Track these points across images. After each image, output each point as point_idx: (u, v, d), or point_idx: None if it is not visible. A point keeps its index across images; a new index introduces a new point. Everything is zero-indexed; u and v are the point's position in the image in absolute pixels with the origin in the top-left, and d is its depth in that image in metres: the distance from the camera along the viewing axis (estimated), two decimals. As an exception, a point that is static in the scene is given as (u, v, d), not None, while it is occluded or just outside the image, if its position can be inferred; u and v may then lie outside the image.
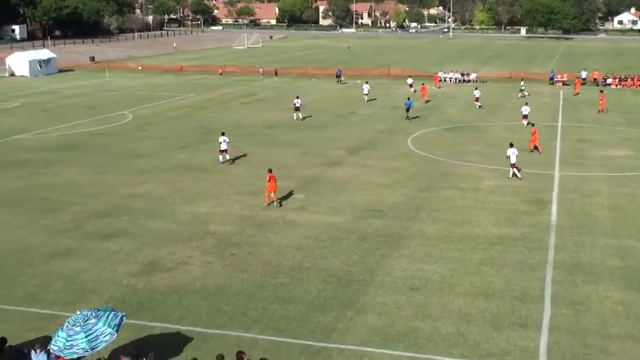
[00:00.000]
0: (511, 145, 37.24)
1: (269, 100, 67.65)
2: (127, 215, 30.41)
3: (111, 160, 41.17)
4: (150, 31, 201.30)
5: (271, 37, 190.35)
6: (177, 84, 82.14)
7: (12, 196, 33.52)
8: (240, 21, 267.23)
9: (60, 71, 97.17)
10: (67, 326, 16.25)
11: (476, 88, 65.71)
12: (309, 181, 36.32)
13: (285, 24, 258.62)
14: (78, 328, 16.06)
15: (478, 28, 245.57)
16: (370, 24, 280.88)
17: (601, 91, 63.67)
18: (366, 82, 69.23)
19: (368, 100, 65.56)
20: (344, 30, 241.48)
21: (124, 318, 17.03)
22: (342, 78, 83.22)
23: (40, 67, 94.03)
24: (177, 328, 19.99)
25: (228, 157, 40.44)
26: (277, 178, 32.31)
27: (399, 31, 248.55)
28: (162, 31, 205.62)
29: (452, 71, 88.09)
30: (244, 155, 42.12)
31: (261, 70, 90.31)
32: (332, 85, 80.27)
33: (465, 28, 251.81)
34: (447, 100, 67.89)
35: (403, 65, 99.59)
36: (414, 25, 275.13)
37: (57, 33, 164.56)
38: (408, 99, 56.66)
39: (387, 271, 24.21)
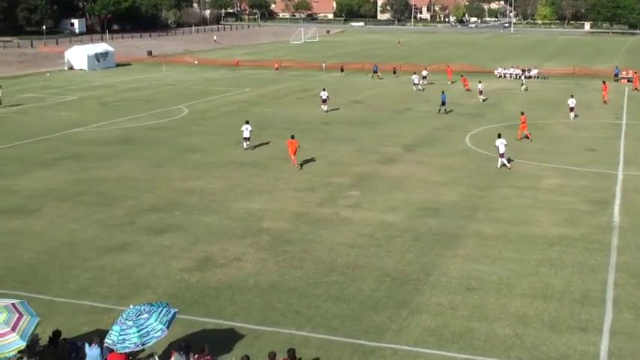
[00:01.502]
0: (499, 136, 38.25)
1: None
2: (180, 210, 30.74)
3: (166, 154, 41.70)
4: (207, 25, 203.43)
5: (328, 32, 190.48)
6: (233, 78, 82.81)
7: (68, 189, 34.20)
8: (298, 15, 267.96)
9: (117, 65, 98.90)
10: (120, 320, 16.46)
11: (479, 82, 65.74)
12: (364, 178, 36.20)
13: (342, 18, 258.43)
14: (130, 323, 16.26)
15: (540, 22, 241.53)
16: (429, 18, 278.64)
17: (603, 82, 65.70)
18: (415, 73, 72.34)
19: (417, 90, 68.49)
20: (352, 24, 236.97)
21: (177, 314, 17.18)
22: (379, 74, 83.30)
23: (98, 60, 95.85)
24: (229, 324, 20.10)
25: (249, 143, 42.84)
26: (331, 174, 32.40)
27: (459, 26, 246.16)
28: (220, 25, 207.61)
29: (512, 67, 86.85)
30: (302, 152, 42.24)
31: (323, 65, 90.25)
32: (391, 80, 79.90)
33: (526, 23, 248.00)
34: (507, 96, 66.94)
35: (462, 61, 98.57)
36: (473, 19, 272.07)
37: (115, 27, 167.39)
38: (443, 92, 57.20)
39: (442, 270, 23.96)
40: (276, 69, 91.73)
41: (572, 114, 53.52)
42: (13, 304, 16.88)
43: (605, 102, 61.56)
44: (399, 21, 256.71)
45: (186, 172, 37.43)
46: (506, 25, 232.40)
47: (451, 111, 56.66)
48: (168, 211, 30.66)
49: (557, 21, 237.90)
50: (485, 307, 21.17)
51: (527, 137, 45.07)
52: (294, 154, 38.15)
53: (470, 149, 42.98)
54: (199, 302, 21.54)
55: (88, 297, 21.83)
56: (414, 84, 69.94)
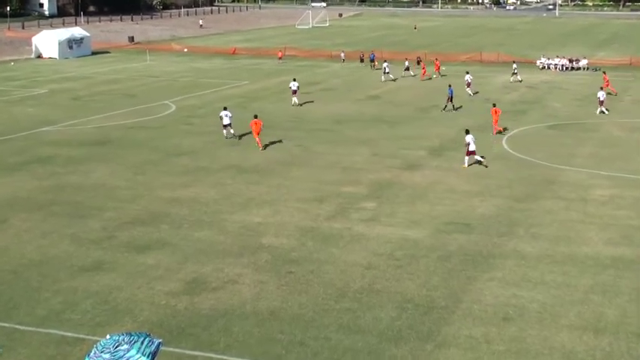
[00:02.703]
0: (467, 132, 40.15)
1: (336, 89, 67.82)
2: (167, 224, 30.81)
3: (150, 158, 41.85)
4: (198, 7, 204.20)
5: (340, 15, 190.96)
6: (229, 69, 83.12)
7: (35, 198, 34.35)
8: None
9: (94, 53, 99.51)
10: (94, 353, 16.38)
11: (467, 72, 66.28)
12: (382, 187, 36.22)
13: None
14: (107, 356, 16.16)
15: (591, 4, 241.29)
16: (459, 0, 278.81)
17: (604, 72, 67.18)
18: (385, 62, 75.10)
19: (385, 80, 71.22)
20: (313, 4, 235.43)
21: (161, 345, 17.17)
22: (377, 63, 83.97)
23: (71, 47, 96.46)
24: (223, 358, 20.11)
25: (232, 131, 45.75)
26: (343, 182, 32.45)
27: (495, 9, 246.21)
28: (213, 7, 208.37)
29: (558, 57, 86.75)
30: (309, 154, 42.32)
31: (342, 54, 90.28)
32: (414, 72, 80.00)
33: (574, 5, 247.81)
34: (552, 91, 66.92)
35: (498, 49, 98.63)
36: (512, 1, 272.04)
37: (91, 9, 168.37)
38: (450, 86, 57.58)
39: (474, 297, 23.92)
40: (280, 58, 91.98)
41: (601, 108, 54.67)
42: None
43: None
44: (424, 2, 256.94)
45: (174, 179, 37.53)
46: (550, 7, 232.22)
47: (460, 107, 56.87)
48: (152, 224, 30.74)
49: (611, 2, 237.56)
50: (525, 341, 21.13)
51: (500, 132, 47.60)
52: (258, 134, 43.42)
53: (507, 153, 42.97)
54: (188, 332, 21.55)
55: (58, 325, 21.88)
56: (384, 72, 72.53)
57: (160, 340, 17.38)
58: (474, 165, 40.35)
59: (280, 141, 45.66)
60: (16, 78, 76.27)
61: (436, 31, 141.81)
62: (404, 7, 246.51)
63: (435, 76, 73.93)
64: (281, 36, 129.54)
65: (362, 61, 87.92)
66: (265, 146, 43.93)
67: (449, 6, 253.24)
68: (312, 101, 61.14)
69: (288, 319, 22.32)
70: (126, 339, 16.67)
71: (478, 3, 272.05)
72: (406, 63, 77.30)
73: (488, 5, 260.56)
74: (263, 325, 21.92)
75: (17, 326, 21.73)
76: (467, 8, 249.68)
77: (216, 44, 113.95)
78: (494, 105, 49.02)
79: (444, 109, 56.05)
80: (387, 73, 67.24)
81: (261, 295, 24.02)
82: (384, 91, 64.31)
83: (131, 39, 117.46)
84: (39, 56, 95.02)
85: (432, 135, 47.79)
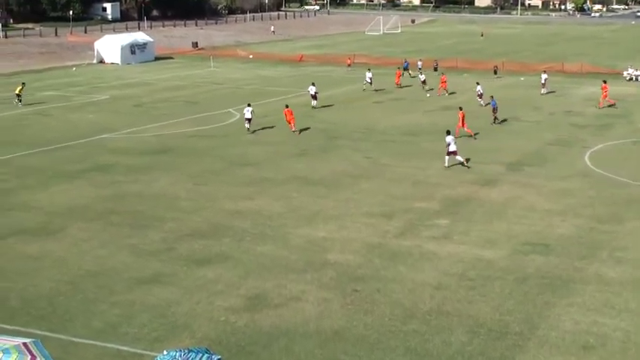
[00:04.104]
0: (448, 133, 43.15)
1: (409, 98, 67.61)
2: (229, 237, 31.06)
3: (212, 167, 42.26)
4: (265, 11, 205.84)
5: (413, 21, 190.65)
6: (295, 77, 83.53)
7: (94, 207, 34.95)
8: (376, 1, 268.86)
9: (156, 59, 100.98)
10: (152, 369, 16.68)
11: (477, 83, 65.65)
12: (456, 203, 35.99)
13: (431, 5, 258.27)
14: (165, 372, 16.45)
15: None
16: (540, 5, 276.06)
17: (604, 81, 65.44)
18: (369, 70, 74.67)
19: (367, 89, 71.73)
20: (307, 7, 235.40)
21: (220, 363, 17.32)
22: (411, 72, 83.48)
23: (134, 53, 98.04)
24: (284, 379, 20.18)
25: (247, 126, 51.51)
26: (414, 196, 32.39)
27: (578, 16, 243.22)
28: (280, 12, 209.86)
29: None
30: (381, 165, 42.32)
31: (419, 63, 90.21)
32: (489, 82, 79.38)
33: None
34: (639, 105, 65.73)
35: (582, 59, 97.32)
36: (597, 7, 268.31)
37: (155, 13, 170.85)
38: (492, 97, 57.18)
39: (552, 323, 23.58)
40: (349, 66, 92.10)
41: None
42: (24, 344, 17.28)
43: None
44: (502, 8, 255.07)
45: (237, 190, 37.83)
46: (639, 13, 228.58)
47: (504, 121, 56.18)
48: (214, 237, 31.03)
49: None
50: (606, 371, 20.75)
51: (471, 135, 49.56)
52: (292, 121, 50.69)
53: (591, 170, 42.33)
54: (248, 350, 21.67)
55: (114, 338, 22.19)
56: (366, 81, 72.56)
57: (219, 357, 17.61)
58: (554, 180, 39.86)
59: (348, 152, 45.70)
60: (78, 84, 77.79)
61: (514, 39, 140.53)
62: (481, 13, 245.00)
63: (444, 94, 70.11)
64: (350, 42, 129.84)
65: (436, 69, 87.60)
66: (300, 131, 51.35)
67: (529, 12, 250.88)
68: (382, 111, 61.08)
69: (353, 340, 22.28)
70: (183, 355, 16.93)
71: (560, 9, 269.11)
72: (421, 77, 74.63)
73: (571, 12, 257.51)
74: (326, 346, 21.92)
75: (73, 339, 22.11)
76: (548, 15, 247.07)
77: (283, 51, 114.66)
78: (460, 109, 50.93)
79: (496, 122, 55.60)
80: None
81: (325, 313, 24.03)
82: (459, 102, 63.78)
83: (195, 45, 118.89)
84: (101, 61, 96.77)
85: (511, 148, 47.32)
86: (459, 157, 42.24)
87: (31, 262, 28.07)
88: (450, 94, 68.77)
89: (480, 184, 39.42)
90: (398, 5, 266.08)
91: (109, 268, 27.55)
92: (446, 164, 42.35)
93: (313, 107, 61.63)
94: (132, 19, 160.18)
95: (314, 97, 62.56)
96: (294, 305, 24.63)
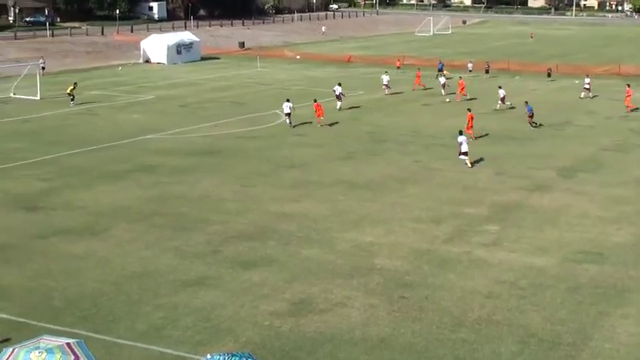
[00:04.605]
0: (460, 133, 44.21)
1: (457, 101, 67.27)
2: (274, 240, 31.16)
3: (259, 169, 42.43)
4: (312, 11, 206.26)
5: (464, 22, 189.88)
6: (343, 78, 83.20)
7: (139, 208, 35.27)
8: (426, 1, 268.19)
9: (203, 59, 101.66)
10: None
11: (500, 87, 64.81)
12: (506, 210, 35.75)
13: (482, 5, 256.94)
14: (208, 376, 16.52)
15: None
16: (596, 6, 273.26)
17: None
18: (386, 72, 74.69)
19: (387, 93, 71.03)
20: (332, 6, 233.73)
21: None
22: (446, 72, 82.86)
23: (180, 53, 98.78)
24: (328, 386, 20.18)
25: (288, 121, 54.12)
26: (463, 202, 32.33)
27: (636, 17, 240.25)
28: (328, 12, 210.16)
29: None
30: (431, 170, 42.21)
31: (470, 65, 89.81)
32: (542, 86, 78.87)
33: None
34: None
35: (637, 61, 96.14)
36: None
37: (201, 12, 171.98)
38: (526, 102, 56.89)
39: (605, 334, 23.30)
40: (398, 67, 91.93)
41: None
42: (68, 344, 17.47)
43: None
44: (556, 9, 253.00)
45: (283, 193, 37.94)
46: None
47: (540, 125, 55.72)
48: (259, 239, 31.15)
49: None
50: (661, 385, 20.47)
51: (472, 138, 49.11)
52: (321, 115, 54.36)
53: (646, 177, 41.83)
54: (291, 355, 21.70)
55: (157, 341, 22.37)
56: (383, 84, 72.09)
57: (264, 363, 17.64)
58: (609, 187, 39.43)
59: (395, 156, 45.62)
60: (123, 83, 78.60)
61: (569, 41, 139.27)
62: (534, 14, 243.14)
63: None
64: (399, 44, 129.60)
65: (487, 72, 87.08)
66: (330, 124, 54.99)
67: (584, 13, 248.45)
68: (431, 114, 60.88)
69: (400, 348, 22.22)
70: (227, 359, 16.97)
71: (617, 10, 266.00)
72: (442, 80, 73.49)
73: (629, 13, 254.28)
74: (372, 353, 21.89)
75: (117, 340, 22.33)
76: (604, 16, 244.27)
77: (331, 51, 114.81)
78: (469, 110, 51.68)
79: (536, 126, 55.25)
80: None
81: (371, 320, 24.00)
82: (509, 105, 63.40)
83: (242, 44, 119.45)
84: (147, 61, 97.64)
85: (564, 154, 46.89)
86: (463, 157, 43.35)
87: (76, 262, 28.40)
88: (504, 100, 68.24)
89: (530, 189, 39.11)
90: (449, 6, 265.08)
91: (153, 270, 27.78)
92: (468, 165, 43.00)
93: (339, 109, 61.10)
94: (178, 18, 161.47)
95: (338, 97, 62.21)
96: (340, 311, 24.63)
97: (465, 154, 43.19)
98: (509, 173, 42.21)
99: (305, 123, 55.40)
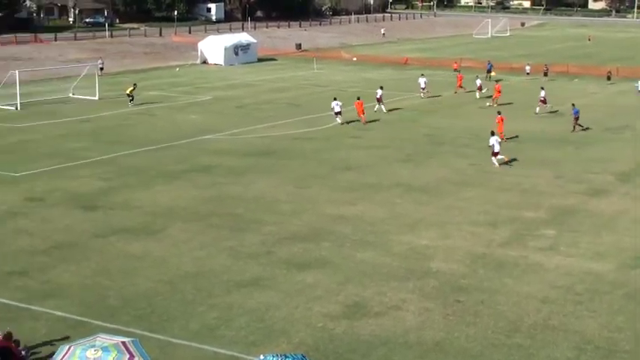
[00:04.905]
0: (492, 134, 44.58)
1: (515, 104, 66.64)
2: (329, 242, 31.16)
3: (314, 171, 42.49)
4: (370, 13, 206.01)
5: (523, 24, 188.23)
6: (399, 80, 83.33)
7: (194, 208, 35.51)
8: (484, 3, 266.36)
9: (259, 60, 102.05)
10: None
11: (542, 88, 63.77)
12: (564, 214, 35.36)
13: (542, 7, 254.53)
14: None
15: None
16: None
17: None
18: (422, 75, 73.93)
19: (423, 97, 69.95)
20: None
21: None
22: (493, 74, 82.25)
23: (237, 54, 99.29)
24: (382, 389, 20.11)
25: (339, 120, 55.47)
26: (520, 206, 32.50)
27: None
28: (385, 14, 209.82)
29: None
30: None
31: (527, 68, 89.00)
32: (601, 89, 77.86)
33: None
34: None
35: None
36: None
37: (259, 14, 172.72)
38: (573, 105, 55.86)
39: (665, 342, 22.95)
40: (455, 70, 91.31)
41: None
42: (123, 343, 17.68)
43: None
44: (617, 12, 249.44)
45: (339, 195, 37.94)
46: None
47: (588, 128, 54.96)
48: (314, 241, 31.18)
49: None
50: None
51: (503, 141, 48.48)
52: (363, 112, 55.89)
53: None
54: (345, 358, 21.68)
55: (211, 340, 22.49)
56: (421, 88, 70.83)
57: (317, 365, 17.64)
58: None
59: (453, 159, 45.38)
60: (181, 84, 79.26)
61: (630, 43, 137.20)
62: (594, 16, 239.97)
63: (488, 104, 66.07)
64: (457, 46, 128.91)
65: (546, 74, 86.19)
66: (367, 122, 56.28)
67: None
68: (490, 117, 60.40)
69: (454, 352, 22.09)
70: (280, 361, 17.01)
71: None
72: (478, 81, 71.75)
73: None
74: (426, 357, 21.81)
75: (171, 339, 22.51)
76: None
77: (388, 53, 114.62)
78: (499, 113, 52.07)
79: (582, 129, 54.56)
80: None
81: (426, 324, 23.88)
82: (568, 108, 62.71)
83: (298, 46, 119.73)
84: (204, 62, 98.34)
85: (623, 158, 46.26)
86: (500, 157, 43.94)
87: (132, 262, 28.69)
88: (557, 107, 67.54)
89: (588, 194, 38.65)
90: (507, 7, 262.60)
91: (208, 270, 27.94)
92: (496, 164, 43.60)
93: (379, 111, 60.76)
94: (236, 19, 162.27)
95: (379, 100, 61.62)
96: (395, 314, 24.55)
97: (497, 154, 43.88)
98: (567, 177, 41.75)
99: (353, 121, 55.66)
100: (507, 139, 49.80)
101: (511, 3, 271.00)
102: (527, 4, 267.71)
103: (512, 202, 36.90)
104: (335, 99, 56.56)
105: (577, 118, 54.89)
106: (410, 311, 24.77)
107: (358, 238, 31.67)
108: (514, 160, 44.97)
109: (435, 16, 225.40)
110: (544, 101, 61.99)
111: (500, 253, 30.18)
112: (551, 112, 61.44)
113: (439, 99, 69.48)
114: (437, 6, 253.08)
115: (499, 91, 65.36)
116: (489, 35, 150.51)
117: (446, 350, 22.21)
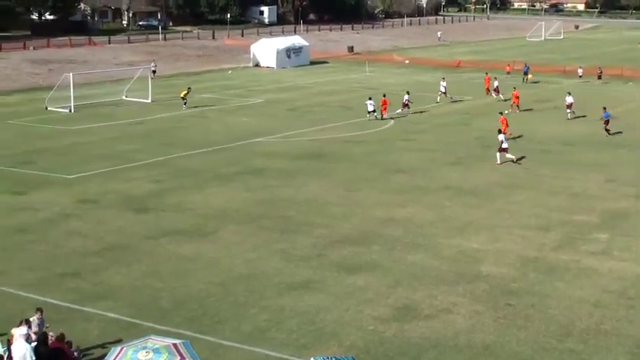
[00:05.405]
0: (500, 132, 46.07)
1: (564, 108, 65.95)
2: (379, 244, 31.16)
3: (365, 174, 42.49)
4: (422, 16, 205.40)
5: (577, 27, 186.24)
6: (452, 83, 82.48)
7: (246, 210, 35.71)
8: (538, 6, 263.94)
9: (312, 63, 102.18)
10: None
11: (569, 94, 62.39)
12: (616, 217, 34.98)
13: (596, 10, 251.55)
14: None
15: None
16: None
17: None
18: (443, 79, 72.40)
19: (442, 100, 68.56)
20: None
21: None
22: (530, 76, 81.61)
23: (289, 57, 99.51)
24: (432, 392, 20.07)
25: (375, 115, 58.34)
26: (572, 209, 32.48)
27: None
28: (438, 17, 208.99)
29: None
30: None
31: (580, 70, 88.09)
32: (656, 92, 76.73)
33: None
34: None
35: None
36: None
37: (311, 17, 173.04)
38: (604, 109, 54.97)
39: None
40: (508, 73, 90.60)
41: None
42: (174, 345, 17.85)
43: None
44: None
45: (389, 198, 37.91)
46: None
47: (619, 132, 54.09)
48: (364, 244, 31.19)
49: None
50: None
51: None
52: (385, 110, 58.35)
53: None
54: (396, 361, 21.69)
55: (262, 343, 22.61)
56: (441, 92, 69.68)
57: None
58: None
59: (509, 162, 45.11)
60: (233, 87, 79.69)
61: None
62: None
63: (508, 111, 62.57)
64: (510, 49, 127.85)
65: (599, 77, 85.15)
66: (391, 119, 58.46)
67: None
68: (541, 120, 59.94)
69: (505, 356, 21.99)
70: (331, 363, 17.06)
71: None
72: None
73: None
74: (476, 360, 21.72)
75: (222, 341, 22.68)
76: None
77: (440, 56, 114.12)
78: (500, 113, 54.13)
79: (609, 134, 53.68)
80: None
81: (477, 327, 23.79)
82: (622, 111, 61.94)
83: (350, 49, 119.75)
84: (256, 65, 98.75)
85: (677, 162, 45.65)
86: (508, 155, 44.56)
87: (184, 263, 28.94)
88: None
89: (643, 198, 38.25)
90: (561, 10, 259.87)
91: (260, 273, 28.09)
92: (498, 161, 44.40)
93: (401, 114, 61.10)
94: (288, 22, 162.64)
95: (405, 105, 61.46)
96: (445, 317, 24.49)
97: (506, 150, 44.75)
98: (620, 181, 41.26)
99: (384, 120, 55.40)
100: (514, 138, 50.55)
101: (565, 6, 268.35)
102: (581, 7, 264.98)
103: (563, 206, 36.58)
104: (369, 98, 59.39)
105: (607, 122, 54.02)
106: (460, 314, 24.69)
107: (408, 240, 31.62)
108: (523, 157, 45.77)
109: (488, 19, 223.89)
110: (569, 106, 60.83)
111: (552, 257, 29.93)
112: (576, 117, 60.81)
113: (490, 101, 68.93)
114: (490, 9, 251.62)
115: (517, 97, 63.91)
116: (543, 38, 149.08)
117: (496, 354, 22.10)
